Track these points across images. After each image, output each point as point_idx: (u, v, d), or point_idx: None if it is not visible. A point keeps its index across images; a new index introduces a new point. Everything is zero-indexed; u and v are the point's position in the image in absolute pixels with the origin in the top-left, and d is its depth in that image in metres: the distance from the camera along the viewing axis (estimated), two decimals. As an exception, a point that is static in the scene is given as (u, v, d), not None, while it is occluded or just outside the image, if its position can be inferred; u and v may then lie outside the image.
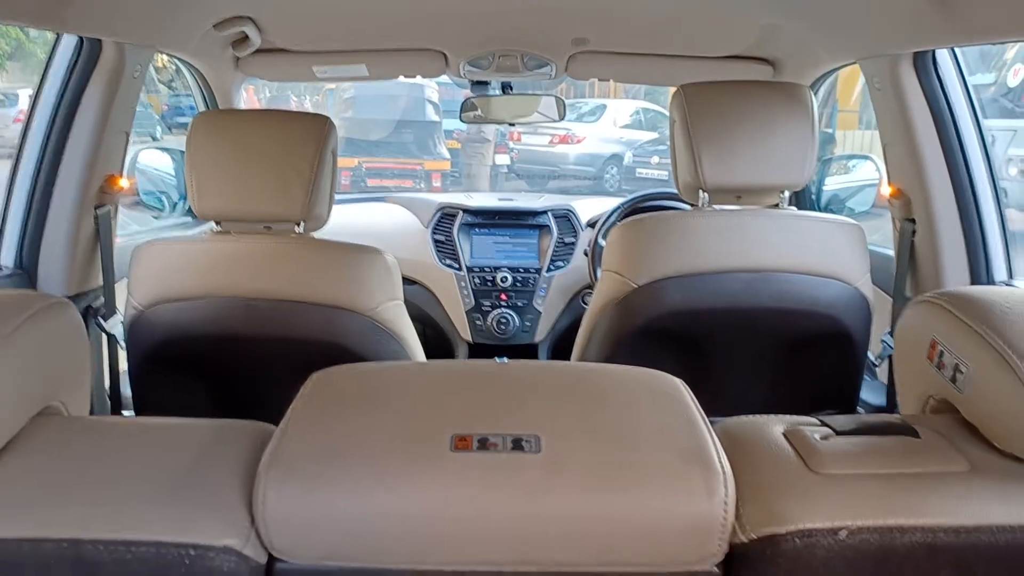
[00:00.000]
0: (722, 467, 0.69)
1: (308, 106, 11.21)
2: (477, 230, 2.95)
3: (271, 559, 0.69)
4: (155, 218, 2.78)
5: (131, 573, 0.64)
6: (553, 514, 0.67)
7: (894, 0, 1.56)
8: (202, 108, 2.57)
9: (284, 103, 10.56)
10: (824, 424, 0.78)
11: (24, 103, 16.70)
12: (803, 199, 2.76)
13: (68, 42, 1.79)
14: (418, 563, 0.68)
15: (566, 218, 2.95)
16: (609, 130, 11.18)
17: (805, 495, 0.70)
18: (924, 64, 1.81)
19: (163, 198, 2.81)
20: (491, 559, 0.68)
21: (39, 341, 0.75)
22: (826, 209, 2.81)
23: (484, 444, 0.70)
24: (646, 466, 0.70)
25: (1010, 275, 1.87)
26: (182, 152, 2.83)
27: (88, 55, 1.78)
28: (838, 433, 0.76)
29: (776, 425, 0.79)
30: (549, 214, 2.95)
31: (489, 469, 0.69)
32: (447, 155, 8.96)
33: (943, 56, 1.81)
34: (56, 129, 1.81)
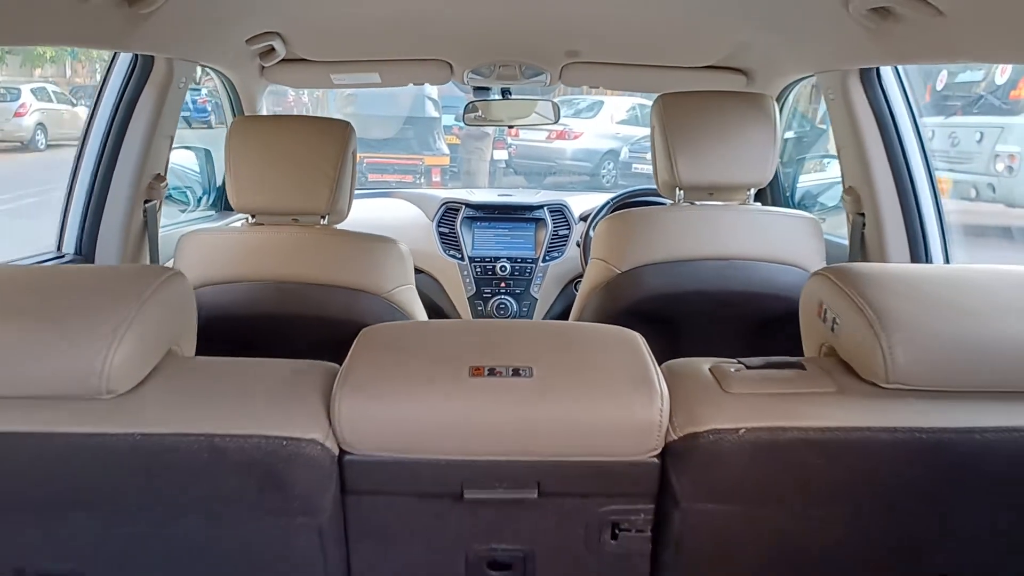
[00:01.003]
0: (660, 388, 0.98)
1: (306, 100, 11.44)
2: (478, 223, 3.24)
3: (342, 451, 0.99)
4: (181, 212, 3.07)
5: (247, 456, 0.94)
6: (541, 418, 0.97)
7: (838, 27, 1.85)
8: (228, 111, 2.86)
9: (282, 96, 10.81)
10: (740, 363, 1.07)
11: (26, 98, 16.85)
12: (778, 195, 3.05)
13: (124, 58, 2.08)
14: (446, 454, 0.98)
15: (560, 212, 3.25)
16: (606, 126, 11.38)
17: (717, 406, 0.99)
18: (869, 78, 2.11)
19: (188, 193, 3.10)
20: (498, 451, 0.97)
21: (166, 301, 1.04)
22: (799, 204, 3.11)
23: (492, 372, 0.99)
24: (607, 387, 0.99)
25: (946, 260, 2.17)
26: (207, 151, 3.13)
27: (142, 69, 2.08)
28: (748, 368, 1.06)
29: (705, 364, 1.09)
30: (545, 208, 3.24)
31: (495, 389, 0.99)
32: (446, 151, 9.24)
33: (886, 71, 2.10)
34: (113, 133, 2.10)
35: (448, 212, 3.23)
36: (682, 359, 1.11)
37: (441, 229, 3.21)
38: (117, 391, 0.94)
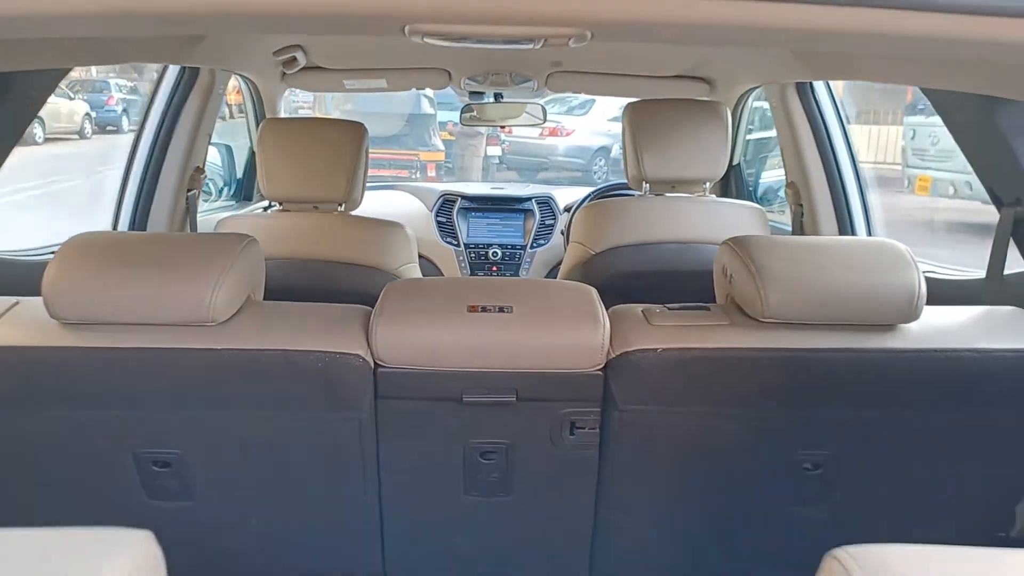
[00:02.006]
0: (603, 321, 1.40)
1: (309, 98, 11.82)
2: (473, 213, 3.66)
3: (376, 364, 1.40)
4: (204, 201, 3.48)
5: (310, 366, 1.35)
6: (517, 342, 1.39)
7: (776, 47, 2.27)
8: (251, 112, 3.27)
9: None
10: (664, 307, 1.49)
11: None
12: (742, 190, 3.47)
13: (173, 68, 2.49)
14: (450, 367, 1.40)
15: (547, 204, 3.67)
16: (598, 123, 11.71)
17: (643, 334, 1.41)
18: (804, 90, 2.53)
19: (210, 184, 3.51)
20: (487, 366, 1.39)
21: (248, 260, 1.45)
22: (762, 198, 3.54)
23: (484, 309, 1.41)
24: (565, 320, 1.41)
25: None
26: (228, 147, 3.53)
27: (188, 78, 2.49)
28: (669, 310, 1.48)
29: (639, 308, 1.50)
30: (533, 201, 3.67)
31: (485, 321, 1.40)
32: (441, 146, 9.65)
33: (819, 85, 2.53)
34: (164, 132, 2.51)
35: (446, 203, 3.65)
36: (624, 305, 1.53)
37: (439, 219, 3.63)
38: (218, 320, 1.36)
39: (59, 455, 1.42)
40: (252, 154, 3.43)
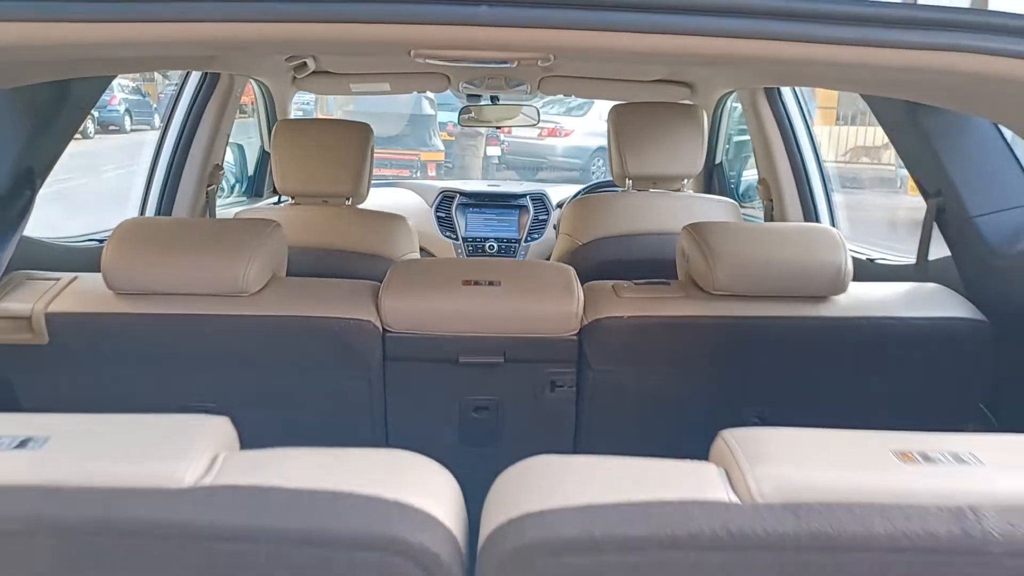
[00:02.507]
0: (578, 293, 1.66)
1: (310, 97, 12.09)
2: (471, 209, 3.92)
3: (384, 329, 1.66)
4: (218, 197, 3.74)
5: (329, 329, 1.60)
6: (505, 311, 1.64)
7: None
8: (263, 112, 3.53)
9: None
10: (632, 283, 1.75)
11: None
12: (724, 187, 3.73)
13: (196, 73, 2.75)
14: (447, 332, 1.65)
15: (540, 200, 3.93)
16: (596, 124, 11.90)
17: (612, 304, 1.67)
18: (772, 94, 2.79)
19: (223, 181, 3.76)
20: (479, 330, 1.65)
21: (274, 241, 1.70)
22: (743, 195, 3.79)
23: (476, 283, 1.67)
24: (546, 292, 1.67)
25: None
26: (240, 146, 3.79)
27: (210, 83, 2.75)
28: (635, 285, 1.74)
29: (610, 283, 1.76)
30: (527, 197, 3.93)
31: (478, 293, 1.66)
32: (441, 147, 9.91)
33: (785, 89, 2.79)
34: (186, 132, 2.77)
35: (445, 199, 3.91)
36: (597, 281, 1.79)
37: (439, 214, 3.89)
38: (250, 291, 1.61)
39: (116, 409, 1.68)
40: (263, 153, 3.70)
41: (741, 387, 1.70)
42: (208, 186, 2.88)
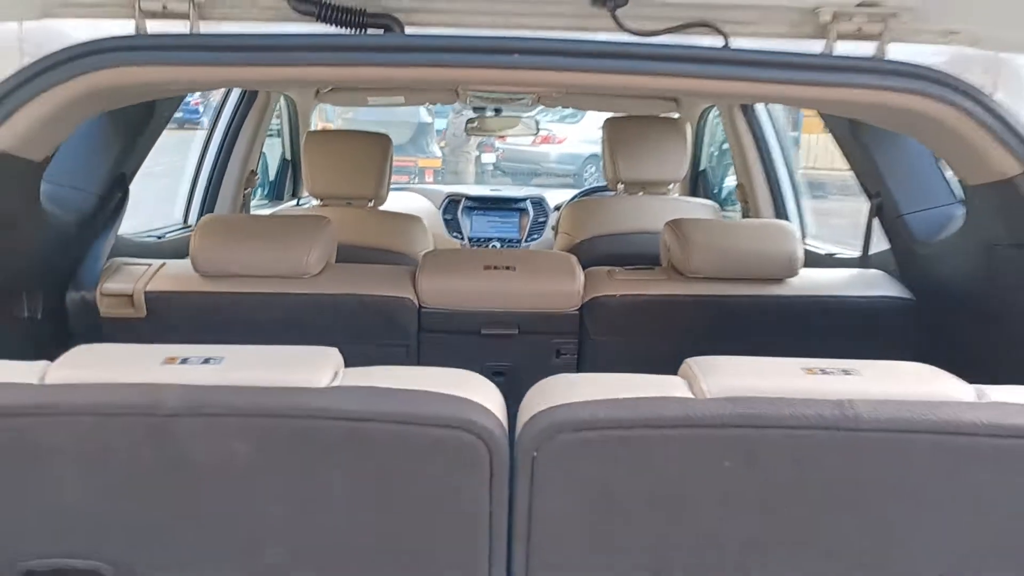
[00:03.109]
0: (578, 276, 2.05)
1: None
2: (475, 212, 4.31)
3: (420, 305, 2.04)
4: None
5: (375, 305, 1.98)
6: (519, 290, 2.03)
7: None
8: (287, 123, 3.91)
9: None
10: (624, 268, 2.14)
11: None
12: (709, 192, 4.13)
13: (236, 91, 3.14)
14: (471, 307, 2.03)
15: (539, 203, 4.33)
16: (589, 131, 12.28)
17: (607, 285, 2.05)
18: (747, 108, 3.20)
19: (246, 186, 4.14)
20: (494, 295, 2.03)
21: (327, 232, 2.08)
22: (726, 199, 4.19)
23: (495, 268, 2.06)
24: (553, 275, 2.06)
25: (803, 237, 3.24)
26: (263, 154, 4.17)
27: (249, 98, 3.13)
28: (627, 270, 2.13)
29: (606, 269, 2.15)
30: (527, 201, 4.32)
31: (497, 275, 2.04)
32: (439, 153, 10.31)
33: (758, 105, 3.19)
34: (227, 141, 3.15)
35: (451, 203, 4.30)
36: (595, 267, 2.18)
37: (446, 216, 4.28)
38: (311, 273, 1.99)
39: None
40: (283, 161, 4.08)
41: (711, 352, 2.09)
42: (244, 188, 3.26)
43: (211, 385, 1.11)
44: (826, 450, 1.12)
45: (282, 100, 3.79)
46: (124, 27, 1.42)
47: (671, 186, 3.27)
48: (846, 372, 1.19)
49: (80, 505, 1.14)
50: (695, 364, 1.24)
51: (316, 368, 1.17)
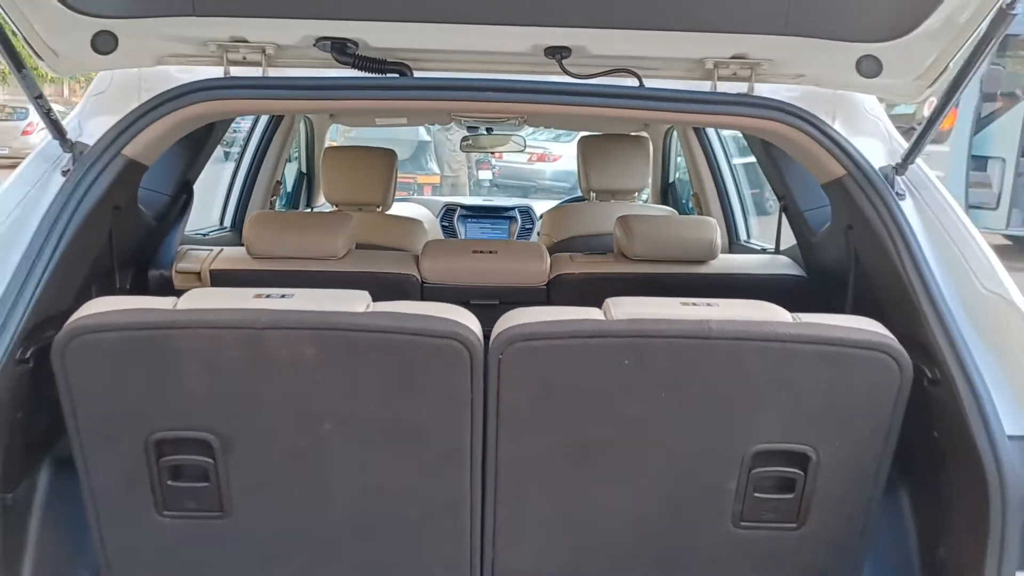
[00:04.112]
0: (546, 258, 2.69)
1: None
2: (469, 219, 4.97)
3: (422, 281, 2.67)
4: (263, 209, 4.76)
5: (388, 282, 2.61)
6: (500, 268, 2.66)
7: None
8: (303, 139, 4.57)
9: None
10: (582, 254, 2.77)
11: (34, 117, 18.21)
12: (678, 199, 4.77)
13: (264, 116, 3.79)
14: (462, 283, 2.67)
15: (527, 212, 4.99)
16: (583, 149, 13.04)
17: (568, 265, 2.68)
18: (698, 131, 3.86)
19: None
20: (482, 280, 2.66)
21: (351, 226, 2.71)
22: (691, 208, 4.84)
23: (480, 252, 2.69)
24: (525, 257, 2.70)
25: (748, 237, 3.89)
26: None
27: (276, 121, 3.79)
28: (584, 255, 2.76)
29: (568, 254, 2.78)
30: (516, 210, 4.98)
31: (482, 257, 2.68)
32: (436, 170, 10.99)
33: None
34: (258, 157, 3.81)
35: (448, 211, 4.96)
36: (561, 253, 2.81)
37: (443, 223, 4.93)
38: (337, 256, 2.62)
39: None
40: (299, 174, 4.73)
41: None
42: (271, 196, 3.91)
43: (288, 309, 1.74)
44: (691, 353, 1.75)
45: (301, 122, 4.46)
46: (215, 71, 2.06)
47: (640, 194, 3.92)
48: (709, 305, 1.82)
49: (197, 392, 1.77)
50: (610, 301, 1.87)
51: (356, 301, 1.80)
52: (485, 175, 11.91)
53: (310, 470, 1.83)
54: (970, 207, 10.84)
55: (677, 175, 4.81)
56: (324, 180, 3.63)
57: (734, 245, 3.72)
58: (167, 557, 1.90)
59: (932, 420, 1.80)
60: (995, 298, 1.79)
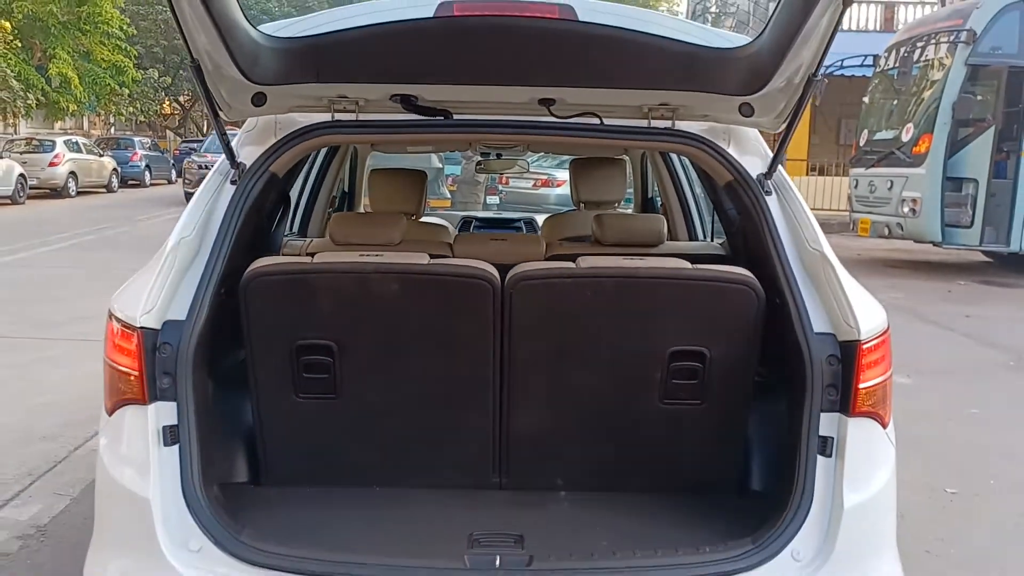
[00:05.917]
0: (542, 244, 3.92)
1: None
2: (483, 229, 6.22)
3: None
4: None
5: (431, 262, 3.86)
6: (509, 250, 3.90)
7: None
8: (347, 165, 5.84)
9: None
10: (568, 240, 3.99)
11: (60, 148, 19.66)
12: (656, 210, 6.02)
13: (325, 143, 5.06)
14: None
15: (531, 223, 6.24)
16: (585, 175, 14.34)
17: (557, 248, 3.91)
18: (663, 155, 5.12)
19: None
20: (499, 260, 3.90)
21: (403, 224, 3.94)
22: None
23: (496, 240, 3.94)
24: (528, 244, 3.94)
25: (705, 237, 5.12)
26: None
27: (333, 149, 5.07)
28: (569, 241, 3.99)
29: (558, 241, 4.01)
30: (521, 221, 6.25)
31: (498, 243, 3.92)
32: (448, 195, 12.31)
33: (672, 149, 5.11)
34: (319, 176, 5.08)
35: (465, 223, 6.22)
36: (551, 240, 4.04)
37: (461, 232, 6.18)
38: (394, 243, 3.82)
39: None
40: (342, 192, 6.01)
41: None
42: (329, 208, 5.17)
43: (381, 260, 2.98)
44: (629, 287, 2.97)
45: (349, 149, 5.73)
46: (323, 116, 3.30)
47: (619, 204, 5.18)
48: (641, 257, 3.06)
49: (324, 312, 2.99)
50: (580, 258, 3.10)
51: (421, 257, 3.03)
52: (493, 200, 13.24)
53: (392, 366, 3.05)
54: (946, 225, 12.09)
55: (655, 190, 6.07)
56: (371, 194, 4.89)
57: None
58: (299, 425, 3.12)
59: (778, 327, 3.02)
60: (816, 254, 3.00)
